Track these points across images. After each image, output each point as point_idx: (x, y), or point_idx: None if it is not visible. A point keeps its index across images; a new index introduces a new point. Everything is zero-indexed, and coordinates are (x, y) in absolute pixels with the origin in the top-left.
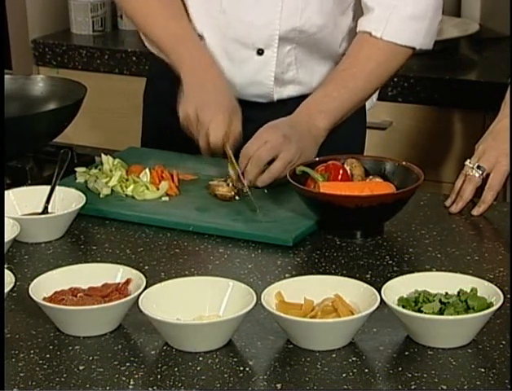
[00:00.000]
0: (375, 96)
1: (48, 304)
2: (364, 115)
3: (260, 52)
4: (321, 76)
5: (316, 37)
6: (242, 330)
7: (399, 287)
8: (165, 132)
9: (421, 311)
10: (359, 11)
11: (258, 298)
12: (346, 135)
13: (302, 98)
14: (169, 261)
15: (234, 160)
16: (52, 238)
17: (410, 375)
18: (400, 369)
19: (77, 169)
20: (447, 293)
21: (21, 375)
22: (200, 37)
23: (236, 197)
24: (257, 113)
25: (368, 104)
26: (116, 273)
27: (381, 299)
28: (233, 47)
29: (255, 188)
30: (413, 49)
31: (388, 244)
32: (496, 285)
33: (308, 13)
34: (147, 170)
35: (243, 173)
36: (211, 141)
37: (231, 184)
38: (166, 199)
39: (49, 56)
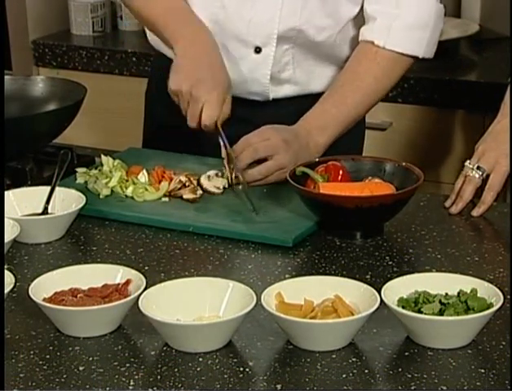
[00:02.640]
0: None
1: (48, 304)
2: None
3: (258, 50)
4: (319, 78)
5: (315, 39)
6: (242, 330)
7: (399, 288)
8: (166, 131)
9: (421, 312)
10: (362, 19)
11: (258, 299)
12: (344, 135)
13: (298, 98)
14: (169, 261)
15: (226, 141)
16: (52, 238)
17: (410, 376)
18: (400, 370)
19: (78, 170)
20: (447, 294)
21: (21, 375)
22: None
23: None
24: (252, 112)
25: None
26: (116, 273)
27: (381, 299)
28: (231, 44)
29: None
30: (415, 58)
31: (388, 245)
32: (496, 286)
33: (308, 13)
34: (144, 171)
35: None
36: (204, 120)
37: (224, 176)
38: (166, 199)
39: (49, 57)
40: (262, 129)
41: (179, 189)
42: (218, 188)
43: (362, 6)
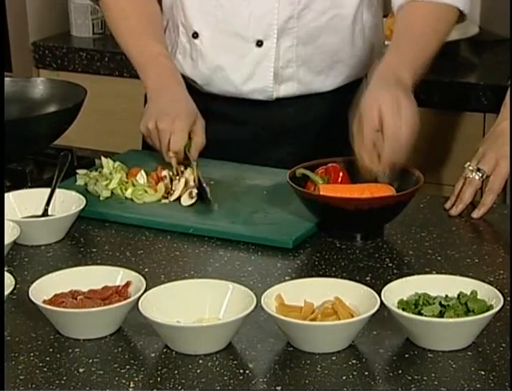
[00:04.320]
0: None
1: (48, 306)
2: None
3: (259, 44)
4: (324, 78)
5: (316, 25)
6: (242, 332)
7: (399, 290)
8: None
9: (421, 314)
10: (365, 12)
11: (258, 301)
12: (343, 137)
13: (301, 98)
14: (169, 263)
15: (195, 167)
16: (52, 240)
17: (410, 378)
18: (400, 372)
19: (79, 171)
20: (447, 296)
21: (21, 377)
22: (196, 34)
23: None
24: (255, 112)
25: None
26: (116, 275)
27: (381, 301)
28: (232, 41)
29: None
30: (461, 13)
31: (388, 247)
32: (496, 288)
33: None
34: (142, 172)
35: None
36: (171, 147)
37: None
38: (166, 201)
39: (49, 59)
40: (366, 113)
41: (171, 188)
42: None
43: None
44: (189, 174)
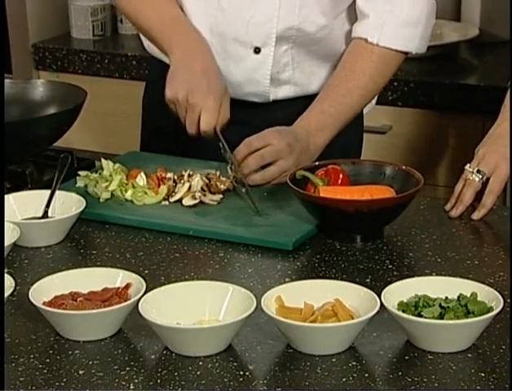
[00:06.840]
0: (374, 100)
1: (48, 308)
2: (362, 118)
3: (257, 51)
4: (319, 79)
5: (315, 37)
6: (242, 334)
7: (399, 292)
8: (164, 135)
9: (421, 316)
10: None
11: (258, 302)
12: (343, 138)
13: (297, 99)
14: (169, 265)
15: (226, 146)
16: (52, 242)
17: (410, 380)
18: (400, 373)
19: (80, 173)
20: (447, 298)
21: (21, 379)
22: None
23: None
24: (252, 114)
25: (365, 108)
26: (116, 277)
27: (381, 303)
28: (230, 45)
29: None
30: (408, 54)
31: (388, 249)
32: (496, 289)
33: (306, 11)
34: (142, 174)
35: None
36: (202, 127)
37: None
38: (166, 203)
39: (49, 60)
40: (266, 133)
41: (174, 191)
42: (216, 201)
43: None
44: (197, 182)
